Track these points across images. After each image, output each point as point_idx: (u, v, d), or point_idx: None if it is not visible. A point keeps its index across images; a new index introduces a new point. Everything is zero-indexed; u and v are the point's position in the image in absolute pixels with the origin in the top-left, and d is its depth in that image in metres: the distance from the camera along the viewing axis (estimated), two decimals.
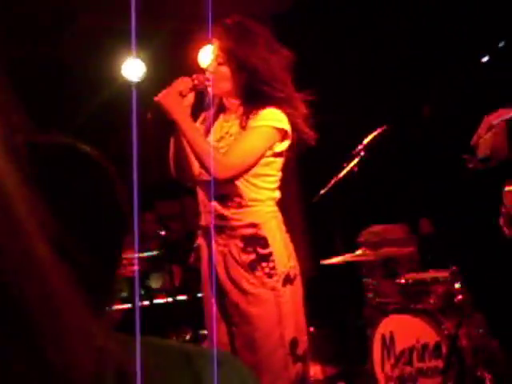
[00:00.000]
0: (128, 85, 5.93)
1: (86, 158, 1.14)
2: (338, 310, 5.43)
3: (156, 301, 5.85)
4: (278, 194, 3.55)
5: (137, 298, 4.94)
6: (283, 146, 3.45)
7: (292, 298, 3.44)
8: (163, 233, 5.78)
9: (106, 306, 1.10)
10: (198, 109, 3.54)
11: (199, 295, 5.65)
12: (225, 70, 3.45)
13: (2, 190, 0.63)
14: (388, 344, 4.51)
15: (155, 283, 6.31)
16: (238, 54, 3.41)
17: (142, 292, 5.73)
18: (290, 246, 3.51)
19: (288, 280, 3.41)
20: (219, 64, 3.45)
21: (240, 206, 3.43)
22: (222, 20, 3.48)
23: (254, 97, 3.44)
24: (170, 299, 5.84)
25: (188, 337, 5.41)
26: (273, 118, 3.38)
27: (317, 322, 5.29)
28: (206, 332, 5.47)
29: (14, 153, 0.67)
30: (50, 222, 0.69)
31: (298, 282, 3.48)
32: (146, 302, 5.66)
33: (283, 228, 3.53)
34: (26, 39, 5.71)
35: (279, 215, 3.53)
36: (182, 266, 6.36)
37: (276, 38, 3.51)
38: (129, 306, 5.36)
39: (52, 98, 6.27)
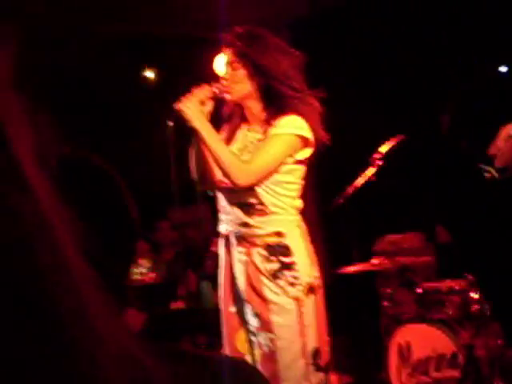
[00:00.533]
0: (144, 93, 5.96)
1: (98, 170, 1.18)
2: (355, 319, 5.43)
3: (172, 307, 5.86)
4: (299, 203, 3.54)
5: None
6: (305, 153, 3.45)
7: (314, 308, 3.42)
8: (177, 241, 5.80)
9: (119, 308, 1.12)
10: (216, 118, 3.54)
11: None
12: (240, 74, 3.46)
13: (37, 200, 0.64)
14: (404, 353, 4.49)
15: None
16: (251, 56, 3.42)
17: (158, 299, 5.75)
18: (314, 256, 3.50)
19: (311, 290, 3.39)
20: (234, 69, 3.46)
21: (263, 213, 3.42)
22: (232, 29, 3.50)
23: (272, 98, 3.45)
24: (185, 306, 5.85)
25: (203, 343, 5.42)
26: (294, 126, 3.38)
27: (333, 330, 5.28)
28: (221, 340, 5.49)
29: (45, 164, 0.68)
30: (79, 230, 0.70)
31: (321, 292, 3.47)
32: (162, 309, 5.67)
33: (307, 238, 3.51)
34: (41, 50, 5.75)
35: (303, 225, 3.52)
36: (197, 273, 6.37)
37: (287, 43, 3.53)
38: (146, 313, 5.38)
39: (71, 109, 6.32)
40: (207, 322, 5.38)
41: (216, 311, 3.70)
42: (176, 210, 6.76)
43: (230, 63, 3.48)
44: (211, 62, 4.42)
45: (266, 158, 3.36)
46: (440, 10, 5.67)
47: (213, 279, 5.72)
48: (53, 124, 0.71)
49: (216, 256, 3.73)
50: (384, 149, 4.46)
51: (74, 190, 1.10)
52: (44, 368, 0.61)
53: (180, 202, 3.77)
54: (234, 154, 3.40)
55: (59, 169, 1.11)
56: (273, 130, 3.39)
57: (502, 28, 5.04)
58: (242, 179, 3.31)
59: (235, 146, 3.55)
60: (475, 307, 4.33)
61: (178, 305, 6.10)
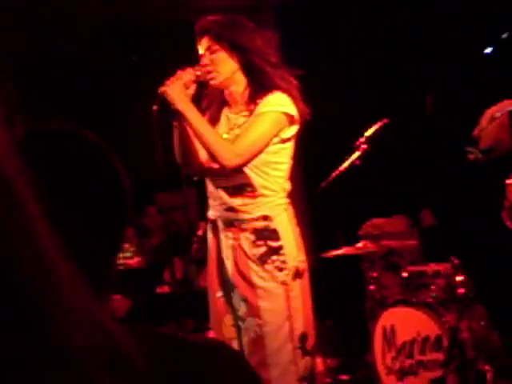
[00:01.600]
0: (129, 77, 5.94)
1: (89, 145, 1.14)
2: (339, 302, 5.44)
3: (158, 292, 5.86)
4: (289, 185, 3.54)
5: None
6: (291, 131, 3.45)
7: (301, 292, 3.43)
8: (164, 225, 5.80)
9: (106, 293, 1.09)
10: (197, 102, 3.53)
11: (200, 287, 5.67)
12: (220, 56, 3.46)
13: (4, 177, 0.63)
14: (389, 336, 4.50)
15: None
16: (227, 37, 3.43)
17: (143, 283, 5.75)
18: (300, 240, 3.50)
19: (298, 274, 3.39)
20: (212, 52, 3.46)
21: (252, 196, 3.41)
22: (205, 18, 3.52)
23: (254, 75, 3.45)
24: (171, 291, 5.85)
25: (190, 327, 5.42)
26: (279, 103, 3.38)
27: (318, 314, 5.29)
28: (208, 324, 5.50)
29: (14, 143, 0.67)
30: (48, 199, 0.69)
31: (307, 276, 3.48)
32: (147, 294, 5.67)
33: (294, 221, 3.51)
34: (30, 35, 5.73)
35: (290, 208, 3.52)
36: (183, 258, 6.37)
37: (271, 24, 3.57)
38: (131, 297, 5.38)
39: (57, 88, 6.29)
40: (193, 306, 5.38)
41: (202, 295, 3.70)
42: (162, 194, 6.75)
43: (207, 48, 3.48)
44: (195, 45, 4.40)
45: (253, 137, 3.35)
46: None
47: (199, 263, 5.73)
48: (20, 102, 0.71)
49: (202, 240, 3.73)
50: (369, 132, 4.45)
51: (65, 165, 1.09)
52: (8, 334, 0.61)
53: (166, 186, 3.76)
54: (220, 135, 3.40)
55: (46, 143, 1.10)
56: (258, 109, 3.38)
57: (487, 8, 5.04)
58: (230, 160, 3.30)
59: (220, 129, 3.54)
60: (460, 290, 4.34)
61: (163, 289, 6.10)
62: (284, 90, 3.40)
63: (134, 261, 6.08)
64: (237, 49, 3.44)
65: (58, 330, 0.63)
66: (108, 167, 1.15)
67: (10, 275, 0.61)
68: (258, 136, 3.35)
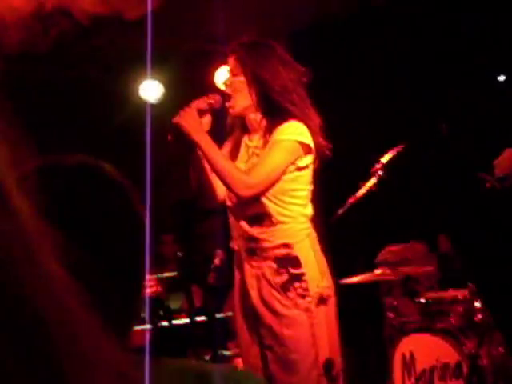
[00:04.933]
0: (146, 106, 5.96)
1: (102, 176, 1.12)
2: (358, 329, 5.41)
3: (176, 322, 5.85)
4: (310, 211, 3.52)
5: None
6: (307, 160, 3.43)
7: (326, 318, 3.40)
8: (181, 254, 5.79)
9: (129, 330, 1.08)
10: (217, 132, 3.54)
11: (219, 316, 5.66)
12: (239, 80, 3.46)
13: (15, 218, 0.64)
14: (408, 363, 4.47)
15: (174, 304, 6.31)
16: (250, 64, 3.43)
17: (161, 313, 5.73)
18: (325, 265, 3.46)
19: (321, 300, 3.36)
20: (234, 75, 3.46)
21: (271, 224, 3.40)
22: (238, 38, 3.51)
23: (271, 109, 3.44)
24: (189, 320, 5.84)
25: (208, 357, 5.40)
26: (295, 132, 3.37)
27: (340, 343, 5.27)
28: (225, 352, 5.48)
29: (23, 180, 0.68)
30: (65, 246, 0.70)
31: (332, 301, 3.44)
32: (166, 323, 5.66)
33: (317, 247, 3.48)
34: (39, 60, 5.76)
35: (313, 233, 3.49)
36: (201, 287, 6.36)
37: (290, 54, 3.53)
38: (149, 327, 5.36)
39: (68, 119, 6.32)
40: (211, 335, 5.37)
41: (219, 324, 3.70)
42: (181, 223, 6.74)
43: (231, 70, 3.48)
44: (211, 75, 4.43)
45: (268, 167, 3.34)
46: (438, 18, 5.68)
47: (216, 292, 5.72)
48: (28, 137, 0.71)
49: (220, 269, 3.73)
50: (385, 159, 4.45)
51: (85, 200, 1.08)
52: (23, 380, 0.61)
53: (187, 216, 3.76)
54: (234, 166, 3.39)
55: (58, 182, 1.09)
56: (273, 138, 3.38)
57: (501, 37, 5.05)
58: (245, 190, 3.29)
59: (240, 158, 3.54)
60: (478, 316, 4.32)
61: (181, 318, 6.09)
62: (301, 120, 3.39)
63: (151, 290, 6.08)
64: (257, 80, 3.44)
65: (73, 376, 0.63)
66: (121, 197, 1.13)
67: (26, 322, 0.61)
68: (272, 165, 3.34)
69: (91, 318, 0.68)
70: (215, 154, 3.31)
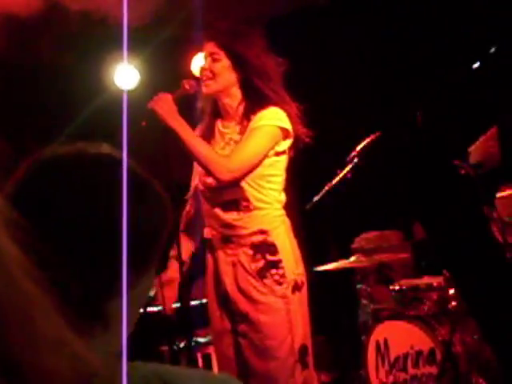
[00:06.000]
0: (121, 92, 5.92)
1: (98, 163, 1.10)
2: (333, 316, 5.43)
3: (150, 309, 5.83)
4: (284, 197, 3.53)
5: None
6: (285, 144, 3.44)
7: (300, 304, 3.41)
8: None
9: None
10: (189, 117, 3.52)
11: (192, 303, 5.65)
12: (220, 65, 3.44)
13: None
14: (382, 350, 4.50)
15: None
16: (235, 48, 3.42)
17: None
18: (298, 252, 3.48)
19: (297, 287, 3.38)
20: (214, 60, 3.44)
21: (248, 209, 3.40)
22: (217, 24, 3.50)
23: (251, 93, 3.44)
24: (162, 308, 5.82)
25: (182, 344, 5.40)
26: (274, 117, 3.37)
27: (311, 329, 5.29)
28: (200, 339, 5.47)
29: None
30: (19, 225, 0.70)
31: (305, 288, 3.46)
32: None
33: (291, 234, 3.50)
34: (12, 43, 5.69)
35: (287, 220, 3.51)
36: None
37: (269, 44, 3.53)
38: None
39: (41, 106, 6.26)
40: (185, 322, 5.36)
41: (193, 312, 3.69)
42: None
43: (210, 55, 3.45)
44: (188, 62, 4.40)
45: (249, 151, 3.34)
46: (415, 6, 5.69)
47: (191, 279, 5.70)
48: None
49: (194, 256, 3.72)
50: (360, 146, 4.46)
51: (65, 189, 1.05)
52: None
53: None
54: (214, 151, 3.38)
55: (48, 170, 1.08)
56: (253, 123, 3.38)
57: (476, 22, 5.07)
58: (227, 174, 3.27)
59: (215, 144, 3.53)
60: (452, 304, 4.35)
61: (155, 305, 6.07)
62: (280, 107, 3.39)
63: None
64: (239, 62, 3.43)
65: (23, 353, 0.64)
66: (143, 190, 1.13)
67: None
68: (253, 150, 3.34)
69: (41, 295, 0.68)
70: (193, 138, 3.29)
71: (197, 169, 3.59)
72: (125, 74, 6.02)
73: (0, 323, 0.63)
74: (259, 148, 3.36)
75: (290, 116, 3.41)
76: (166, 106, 3.27)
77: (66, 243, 1.00)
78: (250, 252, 3.38)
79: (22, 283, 0.66)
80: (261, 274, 3.34)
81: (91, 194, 1.06)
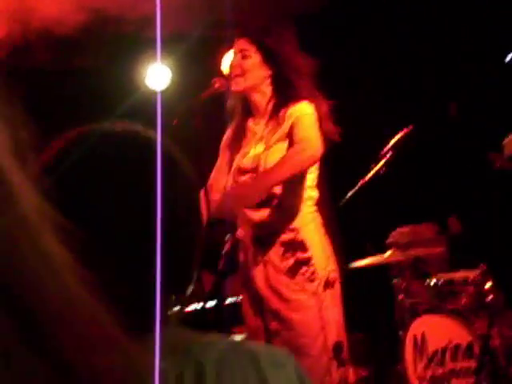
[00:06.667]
0: (153, 92, 5.95)
1: (150, 145, 1.10)
2: (369, 312, 5.41)
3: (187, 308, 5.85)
4: (316, 194, 3.50)
5: None
6: None
7: (332, 301, 3.40)
8: None
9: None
10: (220, 115, 3.53)
11: (229, 301, 5.66)
12: (251, 62, 3.42)
13: (17, 203, 0.65)
14: (420, 345, 4.47)
15: None
16: (267, 43, 3.41)
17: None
18: (329, 249, 3.47)
19: (328, 284, 3.36)
20: (245, 57, 3.43)
21: (279, 207, 3.39)
22: (248, 21, 3.50)
23: (282, 88, 3.42)
24: (199, 305, 5.84)
25: None
26: (312, 111, 3.36)
27: (348, 325, 5.27)
28: (235, 337, 5.47)
29: (28, 169, 0.69)
30: (67, 228, 0.71)
31: (338, 285, 3.44)
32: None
33: (322, 230, 3.48)
34: (50, 48, 5.74)
35: (318, 217, 3.49)
36: (212, 272, 6.36)
37: (299, 42, 3.52)
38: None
39: (76, 106, 6.31)
40: (222, 320, 5.38)
41: (231, 310, 3.69)
42: None
43: (241, 51, 3.44)
44: (219, 60, 4.41)
45: (312, 131, 3.31)
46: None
47: (226, 277, 5.72)
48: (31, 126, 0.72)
49: (229, 254, 3.72)
50: (394, 141, 4.44)
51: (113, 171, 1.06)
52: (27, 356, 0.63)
53: None
54: (289, 158, 3.29)
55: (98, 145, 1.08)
56: (295, 114, 3.34)
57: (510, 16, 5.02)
58: (316, 155, 3.27)
59: (248, 145, 3.52)
60: (490, 297, 4.31)
61: (192, 304, 6.09)
62: (310, 102, 3.38)
63: None
64: (271, 57, 3.42)
65: (73, 351, 0.65)
66: (174, 171, 1.14)
67: (28, 302, 0.63)
68: (315, 130, 3.32)
69: (90, 295, 0.69)
70: (272, 181, 3.26)
71: (224, 169, 3.58)
72: (157, 74, 6.05)
73: (52, 324, 0.64)
74: (316, 129, 3.33)
75: (319, 112, 3.39)
76: (231, 206, 3.26)
77: (112, 243, 1.02)
78: (280, 250, 3.37)
79: (72, 286, 0.67)
80: (291, 272, 3.34)
81: (133, 192, 1.06)
